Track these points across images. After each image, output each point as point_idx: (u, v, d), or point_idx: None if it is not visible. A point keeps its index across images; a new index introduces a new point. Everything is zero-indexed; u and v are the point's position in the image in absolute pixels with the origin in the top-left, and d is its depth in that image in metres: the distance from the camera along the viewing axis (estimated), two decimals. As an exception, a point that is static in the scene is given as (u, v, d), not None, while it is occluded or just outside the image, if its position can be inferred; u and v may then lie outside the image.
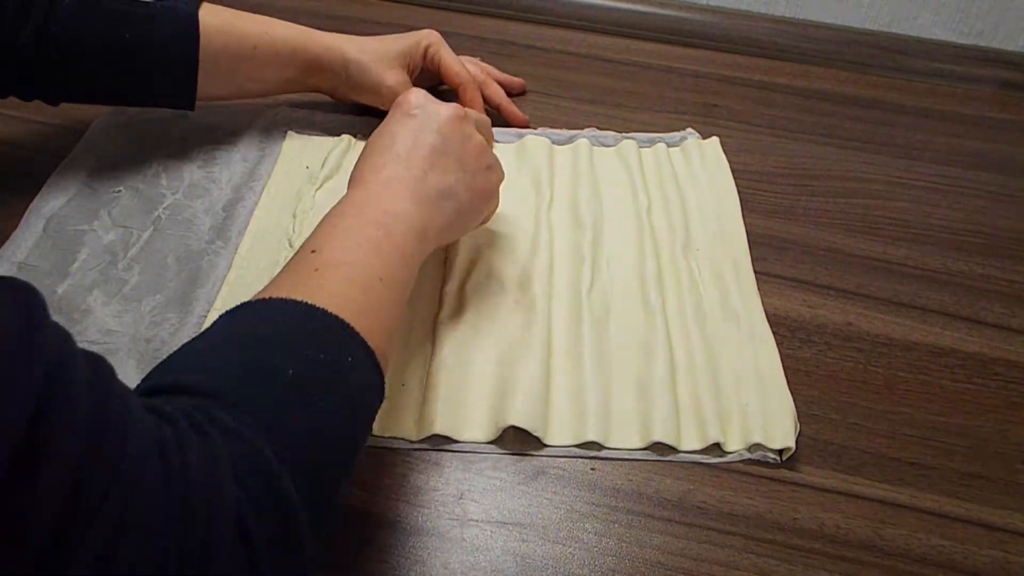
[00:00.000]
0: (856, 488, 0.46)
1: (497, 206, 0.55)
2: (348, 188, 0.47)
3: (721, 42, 0.85)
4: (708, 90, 0.79)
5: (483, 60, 0.76)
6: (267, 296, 0.39)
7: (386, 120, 0.51)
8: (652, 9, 0.87)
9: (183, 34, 0.59)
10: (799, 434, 0.48)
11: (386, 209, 0.45)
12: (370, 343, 0.38)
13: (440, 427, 0.47)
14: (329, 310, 0.38)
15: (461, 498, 0.45)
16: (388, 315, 0.42)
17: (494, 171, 0.53)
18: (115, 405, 0.28)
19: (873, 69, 0.83)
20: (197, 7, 0.60)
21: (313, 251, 0.42)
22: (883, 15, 0.85)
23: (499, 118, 0.71)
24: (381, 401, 0.40)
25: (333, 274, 0.40)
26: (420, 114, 0.50)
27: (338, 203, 0.46)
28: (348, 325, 0.38)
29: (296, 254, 0.42)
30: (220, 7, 0.62)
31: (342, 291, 0.40)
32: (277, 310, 0.38)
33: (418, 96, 0.51)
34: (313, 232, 0.44)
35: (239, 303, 0.39)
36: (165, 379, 0.34)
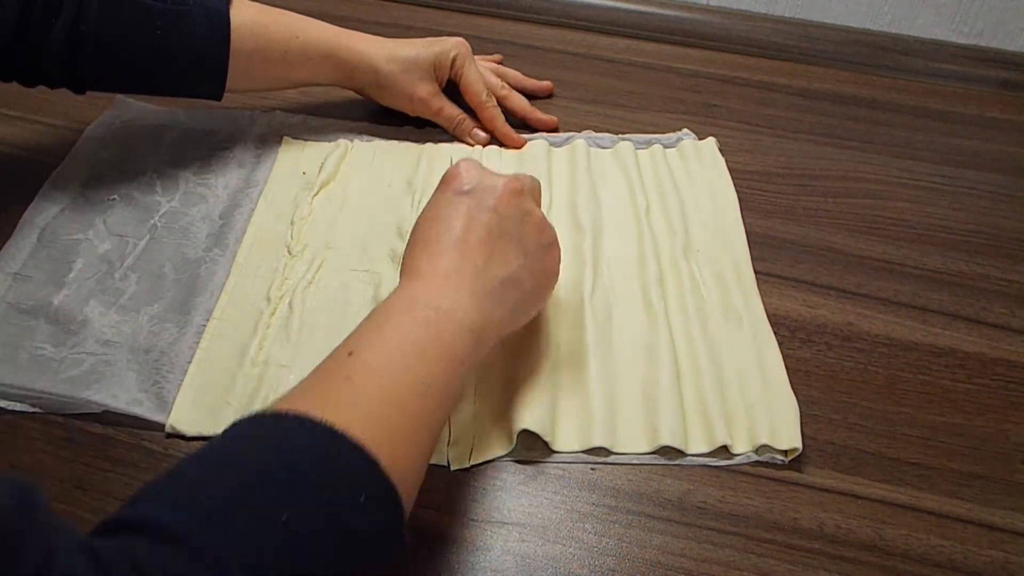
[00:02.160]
0: (856, 488, 0.46)
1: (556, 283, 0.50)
2: (400, 279, 0.43)
3: (721, 42, 0.85)
4: (708, 90, 0.79)
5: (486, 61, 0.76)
6: (286, 408, 0.34)
7: (435, 197, 0.46)
8: (652, 9, 0.87)
9: (214, 34, 0.59)
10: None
11: (438, 305, 0.40)
12: (394, 476, 0.33)
13: (459, 461, 0.47)
14: (353, 433, 0.33)
15: (461, 498, 0.45)
16: (424, 436, 0.37)
17: (554, 247, 0.48)
18: None
19: (873, 69, 0.83)
20: (228, 5, 0.59)
21: (350, 353, 0.38)
22: (883, 15, 0.85)
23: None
24: (398, 546, 0.35)
25: (366, 385, 0.36)
26: (473, 192, 0.45)
27: (389, 297, 0.42)
28: (369, 456, 0.33)
29: (332, 354, 0.39)
30: (251, 3, 0.62)
31: (373, 408, 0.35)
32: (290, 431, 0.33)
33: (468, 170, 0.46)
34: (357, 328, 0.40)
35: (254, 413, 0.35)
36: (138, 511, 0.30)
